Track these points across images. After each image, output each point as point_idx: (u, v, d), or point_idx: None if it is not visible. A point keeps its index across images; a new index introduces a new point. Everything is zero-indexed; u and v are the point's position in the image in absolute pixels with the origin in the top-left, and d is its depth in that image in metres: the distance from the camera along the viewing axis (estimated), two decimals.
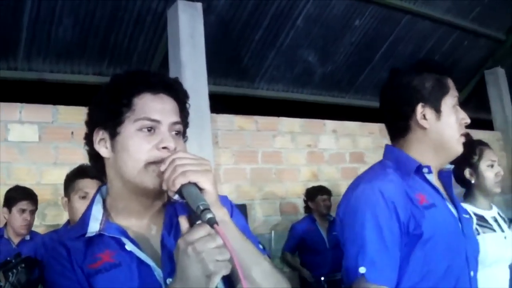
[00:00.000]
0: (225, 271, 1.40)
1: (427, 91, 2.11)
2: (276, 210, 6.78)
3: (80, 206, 3.41)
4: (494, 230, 3.29)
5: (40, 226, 5.23)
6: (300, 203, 6.67)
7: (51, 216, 5.43)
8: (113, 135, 1.64)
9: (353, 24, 7.47)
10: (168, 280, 1.57)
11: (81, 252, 1.63)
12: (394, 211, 1.97)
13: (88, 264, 1.61)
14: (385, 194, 1.98)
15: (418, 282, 1.97)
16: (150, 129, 1.62)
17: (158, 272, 1.61)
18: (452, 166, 2.27)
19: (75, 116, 5.62)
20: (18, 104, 5.47)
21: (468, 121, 2.12)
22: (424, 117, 2.10)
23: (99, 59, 6.22)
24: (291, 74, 7.54)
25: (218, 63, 6.47)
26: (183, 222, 1.48)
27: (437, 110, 2.10)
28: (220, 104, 6.38)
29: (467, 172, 3.67)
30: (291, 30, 7.06)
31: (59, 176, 4.79)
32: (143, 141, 1.61)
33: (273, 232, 6.47)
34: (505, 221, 3.46)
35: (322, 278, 5.79)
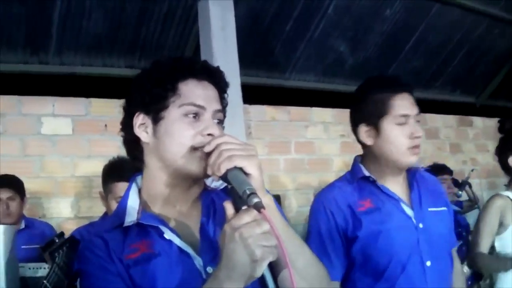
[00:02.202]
0: (272, 257, 1.35)
1: (367, 112, 2.42)
2: (309, 200, 6.41)
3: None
4: None
5: (74, 218, 5.24)
6: None
7: (85, 208, 5.40)
8: (156, 119, 1.64)
9: (383, 14, 7.25)
10: (209, 268, 1.56)
11: (119, 243, 1.61)
12: (332, 219, 2.36)
13: (126, 255, 1.58)
14: (326, 205, 2.40)
15: (367, 277, 2.30)
16: (195, 115, 1.62)
17: (198, 261, 1.59)
18: (420, 166, 2.60)
19: (107, 109, 5.59)
20: (51, 97, 5.45)
21: (419, 134, 2.32)
22: (368, 135, 2.44)
23: (130, 52, 6.10)
24: (322, 64, 7.35)
25: (249, 55, 6.29)
26: (229, 208, 1.43)
27: (377, 129, 2.39)
28: (252, 95, 6.24)
29: (510, 160, 3.49)
30: (322, 20, 6.86)
31: (92, 168, 4.75)
32: (188, 126, 1.60)
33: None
34: None
35: None
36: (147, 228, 1.62)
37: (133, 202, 1.70)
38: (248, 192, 1.37)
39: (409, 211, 2.37)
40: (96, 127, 5.56)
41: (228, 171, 1.45)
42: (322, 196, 2.46)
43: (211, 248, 1.60)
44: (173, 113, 1.62)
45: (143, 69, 1.74)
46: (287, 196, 6.49)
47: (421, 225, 2.34)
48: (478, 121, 8.69)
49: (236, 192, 1.44)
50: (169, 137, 1.61)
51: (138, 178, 1.77)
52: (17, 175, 4.72)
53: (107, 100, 5.61)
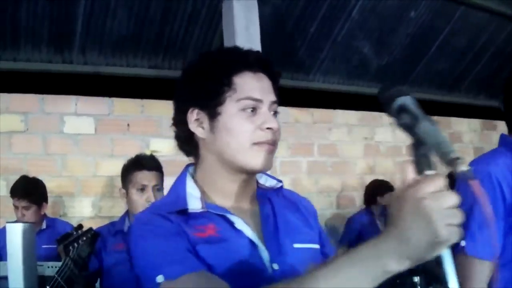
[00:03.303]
0: (456, 239, 1.09)
1: None
2: (332, 203, 6.62)
3: (138, 199, 3.40)
4: None
5: (95, 217, 5.24)
6: (356, 196, 6.53)
7: (107, 208, 5.40)
8: (213, 115, 1.59)
9: (408, 16, 7.15)
10: (275, 265, 1.54)
11: (183, 222, 1.54)
12: (500, 191, 1.98)
13: (193, 232, 1.53)
14: (492, 175, 2.00)
15: None
16: (253, 109, 1.58)
17: (265, 254, 1.56)
18: None
19: (130, 108, 5.59)
20: (74, 96, 5.45)
21: None
22: None
23: (154, 52, 6.05)
24: (346, 66, 7.27)
25: (273, 55, 6.04)
26: (409, 170, 1.17)
27: None
28: (281, 97, 6.11)
29: None
30: (347, 21, 6.77)
31: (114, 168, 4.73)
32: (247, 121, 1.56)
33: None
34: None
35: None
36: (213, 216, 1.57)
37: (192, 190, 1.63)
38: (454, 155, 1.11)
39: None
40: (119, 127, 5.54)
41: (416, 119, 1.20)
42: (486, 167, 2.06)
43: (276, 244, 1.59)
44: (230, 108, 1.57)
45: (191, 62, 1.71)
46: (309, 199, 6.18)
47: None
48: (502, 125, 8.52)
49: (422, 150, 1.19)
50: (228, 133, 1.57)
51: (191, 169, 1.72)
52: (39, 173, 4.72)
53: (130, 99, 5.58)
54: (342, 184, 6.63)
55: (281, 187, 1.78)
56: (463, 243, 1.89)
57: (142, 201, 3.40)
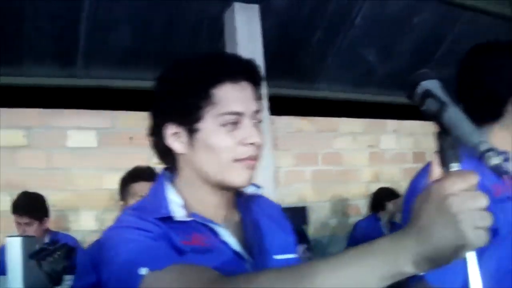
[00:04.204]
0: (482, 243, 0.96)
1: None
2: (337, 212, 6.60)
3: None
4: None
5: (98, 231, 5.22)
6: (362, 204, 6.51)
7: (110, 221, 5.17)
8: (192, 131, 1.50)
9: (412, 22, 7.12)
10: None
11: (169, 229, 1.47)
12: None
13: (181, 240, 1.46)
14: None
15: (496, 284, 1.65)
16: (234, 123, 1.48)
17: (250, 266, 1.51)
18: None
19: (133, 122, 5.58)
20: (76, 110, 5.46)
21: None
22: None
23: (156, 65, 5.89)
24: (351, 74, 7.26)
25: (277, 65, 6.15)
26: (436, 166, 1.06)
27: None
28: (280, 106, 6.21)
29: None
30: (350, 29, 6.75)
31: (117, 181, 4.70)
32: (228, 137, 1.48)
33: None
34: None
35: None
36: (198, 226, 1.51)
37: (174, 198, 1.55)
38: (484, 147, 1.01)
39: None
40: (122, 140, 5.57)
41: (444, 105, 1.09)
42: None
43: (260, 255, 1.56)
44: (210, 124, 1.48)
45: (167, 70, 1.59)
46: (314, 208, 6.36)
47: None
48: None
49: (449, 141, 1.08)
50: (208, 150, 1.49)
51: (167, 174, 1.62)
52: (42, 188, 4.73)
53: (132, 112, 5.57)
54: (347, 192, 6.61)
55: (260, 194, 1.73)
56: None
57: None
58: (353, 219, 6.42)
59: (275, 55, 6.01)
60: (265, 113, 5.42)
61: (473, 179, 0.96)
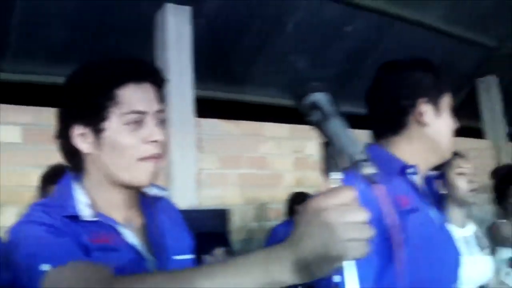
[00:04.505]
0: (359, 255, 1.04)
1: (429, 86, 2.04)
2: (259, 216, 6.76)
3: None
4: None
5: None
6: (284, 209, 6.51)
7: None
8: (97, 131, 1.61)
9: (344, 31, 7.39)
10: None
11: (76, 228, 1.57)
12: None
13: (88, 238, 1.55)
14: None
15: None
16: (138, 122, 1.61)
17: (152, 266, 1.63)
18: (436, 172, 2.22)
19: None
20: (1, 105, 5.44)
21: (457, 125, 2.07)
22: (423, 113, 2.01)
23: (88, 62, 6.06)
24: (280, 80, 7.45)
25: (206, 68, 6.40)
26: (325, 184, 1.14)
27: (438, 107, 2.04)
28: (207, 108, 6.34)
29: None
30: (282, 35, 6.99)
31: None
32: (132, 136, 1.60)
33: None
34: (481, 242, 3.44)
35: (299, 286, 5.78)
36: (103, 225, 1.61)
37: (81, 197, 1.64)
38: (359, 157, 1.11)
39: (440, 221, 2.07)
40: (47, 137, 5.34)
41: (326, 116, 1.20)
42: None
43: (162, 256, 1.67)
44: (115, 124, 1.60)
45: (74, 73, 1.71)
46: (237, 212, 6.50)
47: (449, 240, 2.09)
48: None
49: (331, 150, 1.17)
50: (113, 149, 1.60)
51: (76, 177, 1.71)
52: None
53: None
54: (271, 196, 6.75)
55: (163, 196, 1.84)
56: (337, 279, 1.76)
57: None
58: (275, 223, 6.44)
59: (205, 57, 6.21)
60: (190, 115, 5.60)
61: (350, 194, 1.06)
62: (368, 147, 2.07)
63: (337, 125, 1.18)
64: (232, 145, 6.74)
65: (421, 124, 2.00)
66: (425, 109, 2.00)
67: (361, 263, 1.11)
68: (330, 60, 7.71)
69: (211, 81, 7.01)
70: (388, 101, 2.08)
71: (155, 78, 1.70)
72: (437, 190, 2.18)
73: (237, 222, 6.49)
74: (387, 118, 2.08)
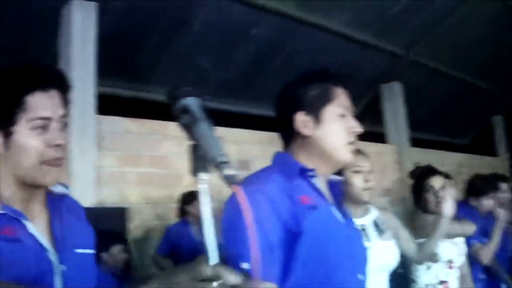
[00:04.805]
0: None
1: (308, 100, 2.20)
2: (159, 214, 6.90)
3: None
4: None
5: None
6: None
7: None
8: (7, 134, 1.72)
9: (249, 33, 7.62)
10: (62, 266, 1.75)
11: None
12: (274, 210, 2.02)
13: None
14: (266, 195, 2.03)
15: (303, 281, 2.02)
16: (43, 127, 1.74)
17: (54, 257, 1.76)
18: (341, 178, 2.37)
19: None
20: None
21: (358, 130, 2.20)
22: (305, 124, 2.20)
23: None
24: (185, 79, 7.62)
25: (110, 65, 6.53)
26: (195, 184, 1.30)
27: (318, 119, 2.20)
28: (109, 105, 6.47)
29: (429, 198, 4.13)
30: (187, 35, 7.18)
31: None
32: (37, 140, 1.73)
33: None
34: (379, 228, 3.54)
35: None
36: (9, 218, 1.72)
37: None
38: (221, 159, 1.24)
39: (341, 219, 2.26)
40: None
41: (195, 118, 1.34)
42: (260, 187, 2.08)
43: (63, 247, 1.79)
44: (22, 128, 1.72)
45: None
46: (136, 210, 6.62)
47: (352, 236, 2.29)
48: None
49: (198, 152, 1.31)
50: (20, 152, 1.73)
51: None
52: None
53: None
54: (170, 196, 6.80)
55: (67, 194, 1.97)
56: (245, 265, 1.90)
57: None
58: (174, 222, 6.65)
59: (109, 54, 6.35)
60: (91, 112, 5.71)
61: (208, 271, 1.28)
62: (276, 154, 2.29)
63: (204, 129, 1.33)
64: (133, 144, 6.78)
65: (303, 135, 2.21)
66: (304, 120, 2.20)
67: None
68: (234, 61, 7.94)
69: (114, 78, 7.14)
70: (277, 113, 2.32)
71: (61, 85, 1.84)
72: (341, 192, 2.36)
73: (136, 221, 6.60)
74: (281, 129, 2.31)
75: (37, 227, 1.78)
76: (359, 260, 2.26)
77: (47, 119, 1.75)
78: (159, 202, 6.94)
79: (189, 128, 1.36)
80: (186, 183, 6.93)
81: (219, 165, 1.25)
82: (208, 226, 1.28)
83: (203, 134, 1.32)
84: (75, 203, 2.06)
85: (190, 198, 6.35)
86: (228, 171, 1.24)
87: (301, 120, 2.20)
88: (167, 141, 6.97)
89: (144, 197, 6.79)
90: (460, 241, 4.33)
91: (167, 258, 6.40)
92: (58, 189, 1.93)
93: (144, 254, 6.51)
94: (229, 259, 1.60)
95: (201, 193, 1.29)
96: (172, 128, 7.06)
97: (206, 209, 1.29)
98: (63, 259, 1.78)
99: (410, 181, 4.72)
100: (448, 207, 3.78)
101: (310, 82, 2.25)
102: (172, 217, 6.71)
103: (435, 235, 3.80)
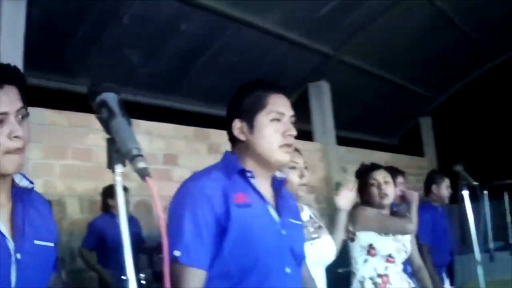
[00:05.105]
0: None
1: (243, 108, 2.40)
2: (84, 207, 6.98)
3: None
4: None
5: None
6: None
7: None
8: None
9: (179, 28, 7.70)
10: (18, 255, 1.84)
11: None
12: (208, 205, 2.23)
13: None
14: (204, 190, 2.26)
15: (228, 270, 2.24)
16: (1, 121, 1.82)
17: (12, 245, 1.85)
18: (285, 176, 2.56)
19: None
20: None
21: (293, 133, 2.36)
22: (241, 130, 2.39)
23: None
24: (113, 72, 7.69)
25: (37, 56, 6.52)
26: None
27: (252, 125, 2.38)
28: (35, 97, 6.07)
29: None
30: (117, 28, 7.22)
31: None
32: None
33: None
34: (314, 224, 3.72)
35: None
36: None
37: None
38: (135, 152, 1.32)
39: (276, 216, 2.42)
40: None
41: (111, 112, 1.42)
42: (201, 182, 2.33)
43: (21, 237, 1.89)
44: None
45: None
46: (62, 203, 6.66)
47: (284, 232, 2.41)
48: None
49: (115, 146, 1.39)
50: None
51: None
52: None
53: None
54: (96, 189, 6.81)
55: (32, 188, 2.05)
56: (177, 253, 2.14)
57: None
58: (99, 215, 6.69)
59: (37, 46, 6.36)
60: None
61: None
62: (225, 153, 2.49)
63: (120, 123, 1.42)
64: (58, 136, 6.80)
65: (240, 139, 2.41)
66: (240, 127, 2.40)
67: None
68: (164, 55, 8.02)
69: (43, 70, 7.14)
70: (225, 119, 2.50)
71: (17, 80, 1.92)
72: (282, 191, 2.55)
73: (60, 214, 6.61)
74: (228, 133, 2.49)
75: (0, 216, 1.88)
76: (288, 254, 2.42)
77: (5, 114, 1.83)
78: (84, 195, 6.97)
79: (106, 122, 1.46)
80: (111, 176, 6.87)
81: (133, 158, 1.36)
82: (123, 217, 1.44)
83: (119, 128, 1.42)
84: (40, 198, 2.18)
85: (112, 191, 6.32)
86: (141, 164, 1.35)
87: (237, 127, 2.40)
88: (93, 134, 6.88)
89: (68, 189, 6.81)
90: (405, 238, 4.47)
91: (92, 252, 6.49)
92: (24, 183, 2.03)
93: (66, 247, 6.57)
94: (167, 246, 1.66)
95: (117, 185, 1.42)
96: (97, 120, 7.17)
97: (122, 201, 1.44)
98: (20, 248, 1.87)
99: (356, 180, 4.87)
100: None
101: (246, 91, 2.43)
102: (97, 210, 6.75)
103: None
